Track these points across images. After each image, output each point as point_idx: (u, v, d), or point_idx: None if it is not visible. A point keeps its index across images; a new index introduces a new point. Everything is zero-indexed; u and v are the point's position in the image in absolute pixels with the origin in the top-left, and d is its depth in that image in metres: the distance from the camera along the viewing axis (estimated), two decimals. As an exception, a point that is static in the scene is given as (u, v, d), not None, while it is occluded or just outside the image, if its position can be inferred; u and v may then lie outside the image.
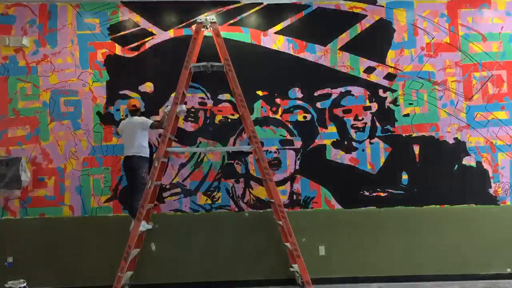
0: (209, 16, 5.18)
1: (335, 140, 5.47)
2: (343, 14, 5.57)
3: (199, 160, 5.42)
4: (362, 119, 5.50)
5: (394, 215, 5.37)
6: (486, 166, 5.45)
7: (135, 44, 5.48)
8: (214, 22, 5.15)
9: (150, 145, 5.16)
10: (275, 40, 5.53)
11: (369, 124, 5.49)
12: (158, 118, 5.32)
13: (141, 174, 4.92)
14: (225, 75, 5.17)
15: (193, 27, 5.32)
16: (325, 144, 5.46)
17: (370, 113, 5.50)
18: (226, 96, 5.47)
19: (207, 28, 5.19)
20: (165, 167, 5.34)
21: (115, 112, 5.40)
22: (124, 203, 5.27)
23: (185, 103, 5.39)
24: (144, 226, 4.91)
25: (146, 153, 5.01)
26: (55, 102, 5.38)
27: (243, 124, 5.35)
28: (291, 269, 5.05)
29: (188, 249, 5.29)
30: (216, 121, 5.46)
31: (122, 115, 5.40)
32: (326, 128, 5.48)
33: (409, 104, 5.51)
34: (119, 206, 5.31)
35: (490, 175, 5.44)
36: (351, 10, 5.58)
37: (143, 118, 5.09)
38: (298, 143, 5.46)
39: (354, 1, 5.58)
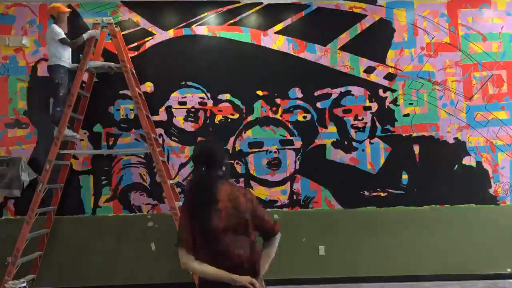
0: (106, 17, 5.06)
1: (335, 140, 5.47)
2: (343, 14, 5.57)
3: (199, 160, 5.40)
4: (362, 119, 5.50)
5: (394, 215, 5.37)
6: (486, 166, 5.44)
7: (135, 44, 5.48)
8: (111, 23, 4.96)
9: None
10: (275, 40, 5.53)
11: (369, 124, 5.48)
12: (157, 117, 5.36)
13: (54, 81, 4.83)
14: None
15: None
16: (325, 144, 5.46)
17: (370, 113, 5.50)
18: (226, 96, 5.46)
19: (107, 28, 5.04)
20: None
21: (115, 112, 5.41)
22: (123, 203, 5.30)
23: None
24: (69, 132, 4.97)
25: (55, 62, 4.84)
26: (55, 102, 5.38)
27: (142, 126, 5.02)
28: None
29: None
30: (216, 121, 5.47)
31: (122, 115, 5.40)
32: (326, 128, 5.48)
33: (409, 104, 5.51)
34: (119, 206, 5.31)
35: (490, 175, 5.44)
36: (351, 10, 5.57)
37: (57, 29, 4.85)
38: (298, 143, 5.46)
39: (354, 1, 5.58)
